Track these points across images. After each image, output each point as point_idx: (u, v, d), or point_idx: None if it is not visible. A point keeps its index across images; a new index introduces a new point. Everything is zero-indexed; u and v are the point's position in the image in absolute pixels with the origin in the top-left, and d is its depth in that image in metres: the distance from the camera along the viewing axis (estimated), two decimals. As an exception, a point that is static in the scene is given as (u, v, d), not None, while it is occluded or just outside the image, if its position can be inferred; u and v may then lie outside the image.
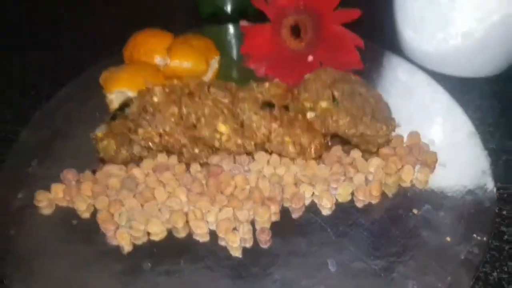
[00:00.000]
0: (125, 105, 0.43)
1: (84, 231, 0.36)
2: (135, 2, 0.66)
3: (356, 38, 0.47)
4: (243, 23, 0.53)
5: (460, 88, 0.48)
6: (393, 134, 0.41)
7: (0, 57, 0.56)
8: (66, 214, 0.37)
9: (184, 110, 0.39)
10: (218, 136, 0.38)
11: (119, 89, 0.45)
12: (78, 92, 0.48)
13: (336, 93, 0.39)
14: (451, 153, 0.40)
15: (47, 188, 0.38)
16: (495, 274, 0.33)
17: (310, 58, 0.50)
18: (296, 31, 0.50)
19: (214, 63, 0.52)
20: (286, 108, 0.40)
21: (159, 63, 0.49)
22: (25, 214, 0.37)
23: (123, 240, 0.35)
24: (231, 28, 0.57)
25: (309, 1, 0.48)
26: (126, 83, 0.45)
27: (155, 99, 0.40)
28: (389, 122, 0.40)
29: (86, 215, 0.37)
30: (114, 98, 0.45)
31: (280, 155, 0.39)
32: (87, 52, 0.56)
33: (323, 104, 0.39)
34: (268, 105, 0.39)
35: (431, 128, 0.42)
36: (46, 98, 0.49)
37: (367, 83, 0.44)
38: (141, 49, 0.50)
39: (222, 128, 0.39)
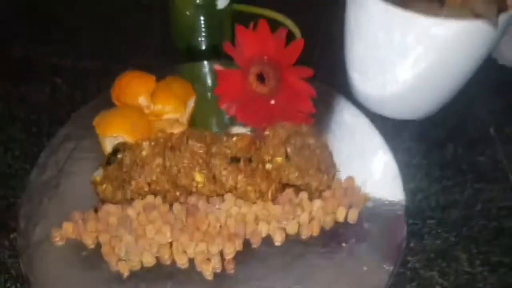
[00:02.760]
0: (116, 150, 0.56)
1: (91, 260, 0.50)
2: (117, 39, 0.77)
3: (310, 90, 0.60)
4: (218, 66, 0.65)
5: (394, 130, 0.62)
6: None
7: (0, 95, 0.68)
8: (76, 246, 0.51)
9: (167, 163, 0.53)
10: (195, 184, 0.52)
11: (111, 135, 0.58)
12: (74, 131, 0.61)
13: (288, 149, 0.53)
14: (378, 194, 0.54)
15: (59, 223, 0.52)
16: (396, 293, 0.49)
17: (272, 101, 0.63)
18: (261, 78, 0.63)
19: (191, 103, 0.64)
20: (250, 160, 0.54)
21: (142, 104, 0.62)
22: (43, 246, 0.51)
23: (123, 269, 0.49)
24: (205, 66, 0.70)
25: (271, 57, 0.60)
26: (117, 129, 0.57)
27: (144, 153, 0.53)
28: (331, 170, 0.54)
29: (91, 246, 0.51)
30: (107, 141, 0.58)
31: (244, 199, 0.53)
32: (79, 88, 0.69)
33: (278, 159, 0.53)
34: (235, 159, 0.53)
35: (365, 170, 0.57)
36: (46, 136, 0.62)
37: (316, 133, 0.58)
38: (126, 91, 0.62)
39: (198, 178, 0.52)
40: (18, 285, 0.49)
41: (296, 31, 0.73)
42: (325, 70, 0.70)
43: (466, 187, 0.56)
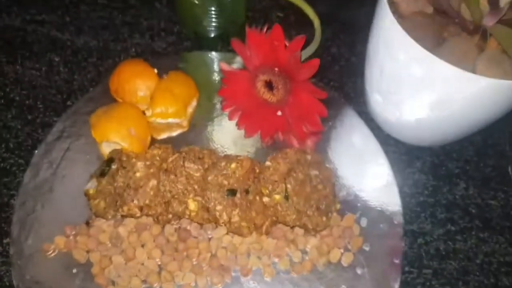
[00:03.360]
0: (111, 160, 0.54)
1: (82, 277, 0.51)
2: (120, 16, 0.70)
3: (321, 109, 0.56)
4: (224, 65, 0.60)
5: (407, 157, 0.59)
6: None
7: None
8: (68, 260, 0.51)
9: (161, 188, 0.51)
10: (188, 212, 0.51)
11: (106, 141, 0.55)
12: (70, 128, 0.58)
13: (289, 186, 0.51)
14: (376, 234, 0.53)
15: (52, 233, 0.52)
16: None
17: (279, 113, 0.59)
18: (270, 85, 0.58)
19: (193, 103, 0.61)
20: (247, 191, 0.52)
21: (141, 106, 0.59)
22: (36, 258, 0.51)
23: (112, 293, 0.50)
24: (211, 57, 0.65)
25: (282, 69, 0.55)
26: (113, 135, 0.55)
27: (138, 174, 0.52)
28: (331, 209, 0.53)
29: (83, 262, 0.52)
30: (104, 145, 0.56)
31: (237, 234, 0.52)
32: (77, 71, 0.65)
33: (277, 196, 0.51)
34: (231, 192, 0.51)
35: (366, 203, 0.55)
36: (41, 127, 0.60)
37: (321, 162, 0.55)
38: (125, 88, 0.59)
39: (192, 206, 0.51)
40: (10, 295, 0.51)
41: (316, 21, 0.67)
42: (340, 71, 0.66)
43: (471, 235, 0.54)
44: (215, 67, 0.64)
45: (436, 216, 0.55)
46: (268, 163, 0.53)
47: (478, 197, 0.56)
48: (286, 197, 0.50)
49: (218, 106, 0.62)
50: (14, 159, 0.58)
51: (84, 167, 0.56)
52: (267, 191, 0.51)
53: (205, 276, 0.51)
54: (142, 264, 0.51)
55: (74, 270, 0.51)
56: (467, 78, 0.45)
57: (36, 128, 0.60)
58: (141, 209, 0.51)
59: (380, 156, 0.57)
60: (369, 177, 0.56)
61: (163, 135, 0.60)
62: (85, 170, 0.56)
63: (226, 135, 0.60)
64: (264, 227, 0.52)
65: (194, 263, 0.51)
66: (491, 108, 0.48)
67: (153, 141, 0.59)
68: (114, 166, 0.54)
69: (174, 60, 0.64)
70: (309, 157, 0.54)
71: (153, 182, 0.52)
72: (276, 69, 0.56)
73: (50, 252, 0.52)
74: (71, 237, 0.52)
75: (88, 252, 0.52)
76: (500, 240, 0.54)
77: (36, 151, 0.57)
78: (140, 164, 0.52)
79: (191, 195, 0.51)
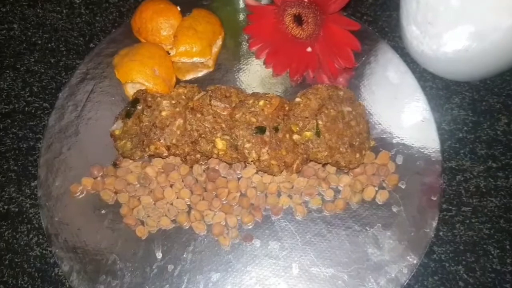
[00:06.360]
0: (136, 101, 0.52)
1: (111, 217, 0.49)
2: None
3: (354, 42, 0.52)
4: (250, 0, 0.56)
5: (445, 92, 0.55)
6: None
7: (16, 15, 0.62)
8: (96, 201, 0.50)
9: (188, 127, 0.48)
10: (216, 151, 0.49)
11: (131, 81, 0.53)
12: (94, 69, 0.56)
13: (320, 123, 0.47)
14: (412, 172, 0.50)
15: (79, 175, 0.50)
16: (416, 287, 0.47)
17: (309, 49, 0.55)
18: (299, 20, 0.54)
19: (218, 42, 0.57)
20: (276, 129, 0.49)
21: (165, 45, 0.56)
22: (64, 200, 0.50)
23: (141, 233, 0.48)
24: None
25: (312, 0, 0.51)
26: (137, 75, 0.52)
27: (164, 113, 0.49)
28: (364, 146, 0.49)
29: (111, 203, 0.50)
30: (128, 86, 0.54)
31: (267, 172, 0.49)
32: (98, 12, 0.62)
33: (308, 134, 0.47)
34: (260, 129, 0.48)
35: (403, 140, 0.51)
36: (64, 70, 0.58)
37: (354, 98, 0.51)
38: (148, 26, 0.56)
39: (220, 145, 0.48)
40: (40, 236, 0.50)
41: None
42: (374, 4, 0.61)
43: (513, 171, 0.51)
44: (241, 3, 0.60)
45: (476, 153, 0.52)
46: (298, 99, 0.49)
47: (521, 133, 0.52)
48: (318, 134, 0.47)
49: (244, 44, 0.58)
50: (38, 103, 0.56)
51: (109, 109, 0.54)
52: (297, 128, 0.48)
53: (235, 215, 0.49)
54: (171, 204, 0.50)
55: (103, 211, 0.50)
56: (510, 7, 0.41)
57: (60, 71, 0.58)
58: (168, 148, 0.49)
59: (417, 91, 0.53)
60: (405, 113, 0.53)
61: (189, 76, 0.57)
62: (110, 111, 0.54)
63: (254, 74, 0.57)
64: (294, 166, 0.49)
65: (224, 202, 0.50)
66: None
67: (179, 82, 0.56)
68: (139, 107, 0.52)
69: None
70: (341, 93, 0.51)
71: (180, 121, 0.49)
72: (306, 0, 0.52)
73: (78, 194, 0.50)
74: (98, 178, 0.51)
75: (116, 193, 0.50)
76: (546, 176, 0.50)
77: (60, 94, 0.55)
78: (165, 103, 0.50)
79: (218, 134, 0.49)
